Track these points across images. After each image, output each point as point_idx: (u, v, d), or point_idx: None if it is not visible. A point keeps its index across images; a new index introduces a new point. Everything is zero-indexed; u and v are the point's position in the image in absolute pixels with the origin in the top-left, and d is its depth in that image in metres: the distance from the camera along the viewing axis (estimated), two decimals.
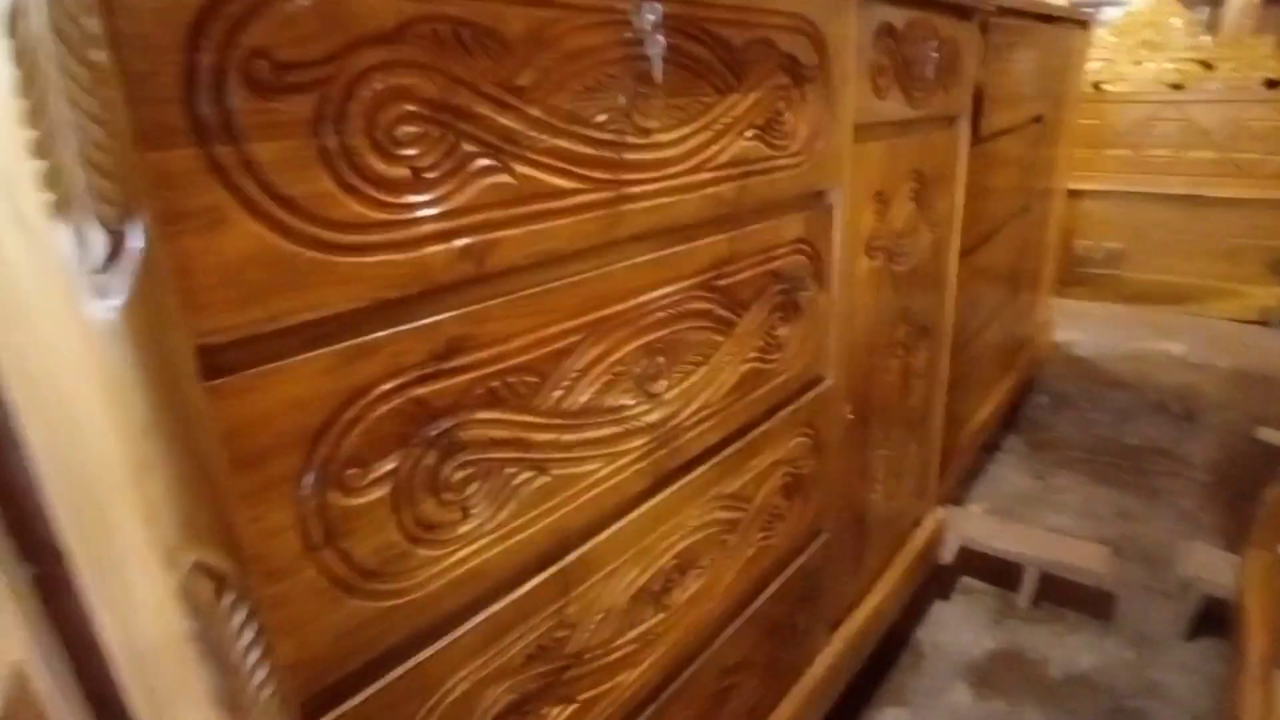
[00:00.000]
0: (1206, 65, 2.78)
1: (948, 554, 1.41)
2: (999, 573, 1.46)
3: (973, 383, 1.74)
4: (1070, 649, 1.32)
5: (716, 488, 0.74)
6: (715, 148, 0.64)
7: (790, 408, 0.84)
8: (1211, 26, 2.98)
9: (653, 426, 0.64)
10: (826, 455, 0.93)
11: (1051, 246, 2.33)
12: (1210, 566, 1.29)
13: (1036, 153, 1.91)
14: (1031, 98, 1.73)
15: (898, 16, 0.90)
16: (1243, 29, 3.03)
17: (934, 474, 1.39)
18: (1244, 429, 2.02)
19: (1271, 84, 2.65)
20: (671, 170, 0.60)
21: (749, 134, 0.68)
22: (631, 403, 0.61)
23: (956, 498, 1.75)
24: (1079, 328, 2.67)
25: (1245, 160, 2.64)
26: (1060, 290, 2.83)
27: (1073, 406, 2.20)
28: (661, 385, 0.64)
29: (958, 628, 1.38)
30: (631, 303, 0.60)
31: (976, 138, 1.32)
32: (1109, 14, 3.28)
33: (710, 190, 0.65)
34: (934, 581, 1.44)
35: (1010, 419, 2.11)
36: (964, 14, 1.09)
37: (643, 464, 0.64)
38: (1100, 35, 2.92)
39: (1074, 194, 2.72)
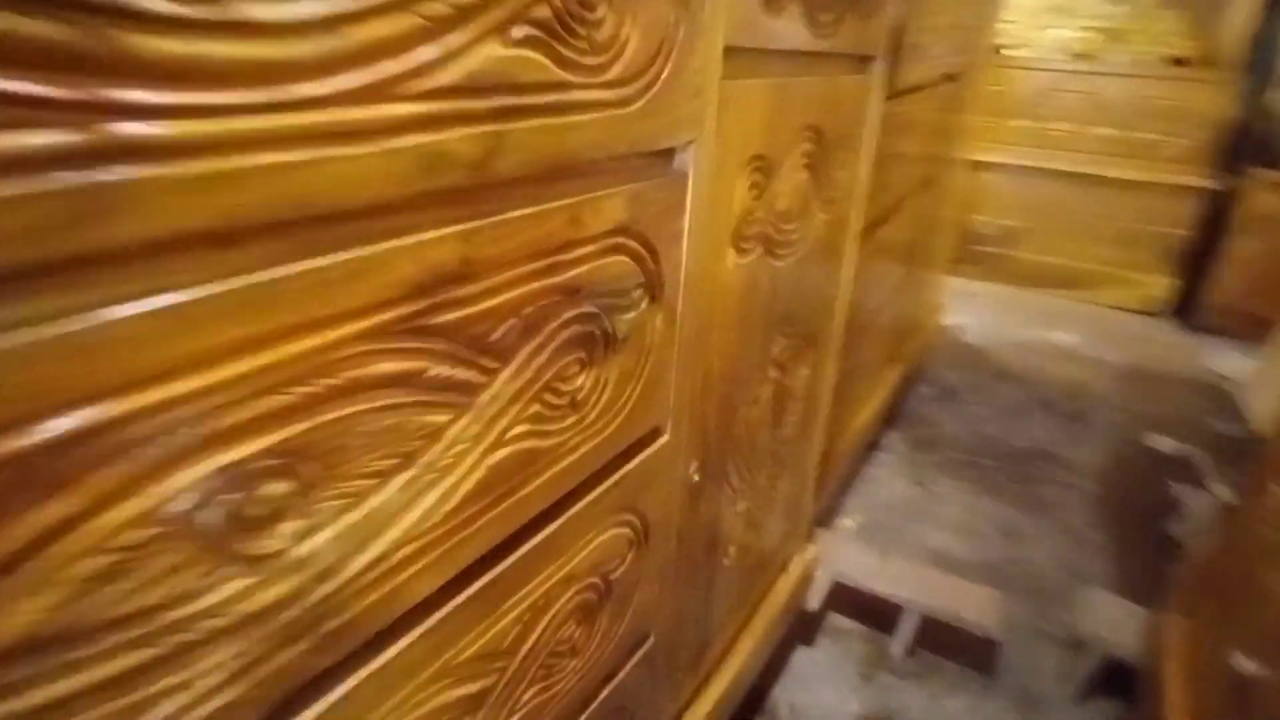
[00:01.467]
0: (1115, 37, 2.63)
1: (816, 598, 1.18)
2: (872, 611, 1.25)
3: (858, 379, 1.51)
4: (948, 713, 1.13)
5: (439, 660, 0.43)
6: (428, 51, 0.31)
7: (596, 491, 0.53)
8: None
9: (268, 612, 0.32)
10: (656, 544, 0.64)
11: (949, 222, 2.14)
12: (1112, 623, 1.11)
13: (946, 116, 1.67)
14: (949, 51, 1.47)
15: None
16: (1153, 1, 2.91)
17: (807, 508, 1.14)
18: (1133, 433, 1.91)
19: (1178, 62, 2.53)
20: (298, 88, 0.27)
21: (516, 34, 0.35)
22: (205, 581, 0.29)
23: (829, 511, 1.54)
24: (969, 311, 2.53)
25: (1146, 141, 2.53)
26: (952, 269, 2.67)
27: (959, 400, 2.04)
28: (290, 529, 0.32)
29: (821, 684, 1.16)
30: (197, 381, 0.27)
31: (891, 90, 1.04)
32: None
33: (413, 140, 0.32)
34: (799, 626, 1.21)
35: (893, 413, 1.92)
36: None
37: (255, 676, 0.32)
38: None
39: (974, 165, 2.55)
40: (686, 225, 0.54)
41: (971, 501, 1.65)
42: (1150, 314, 2.65)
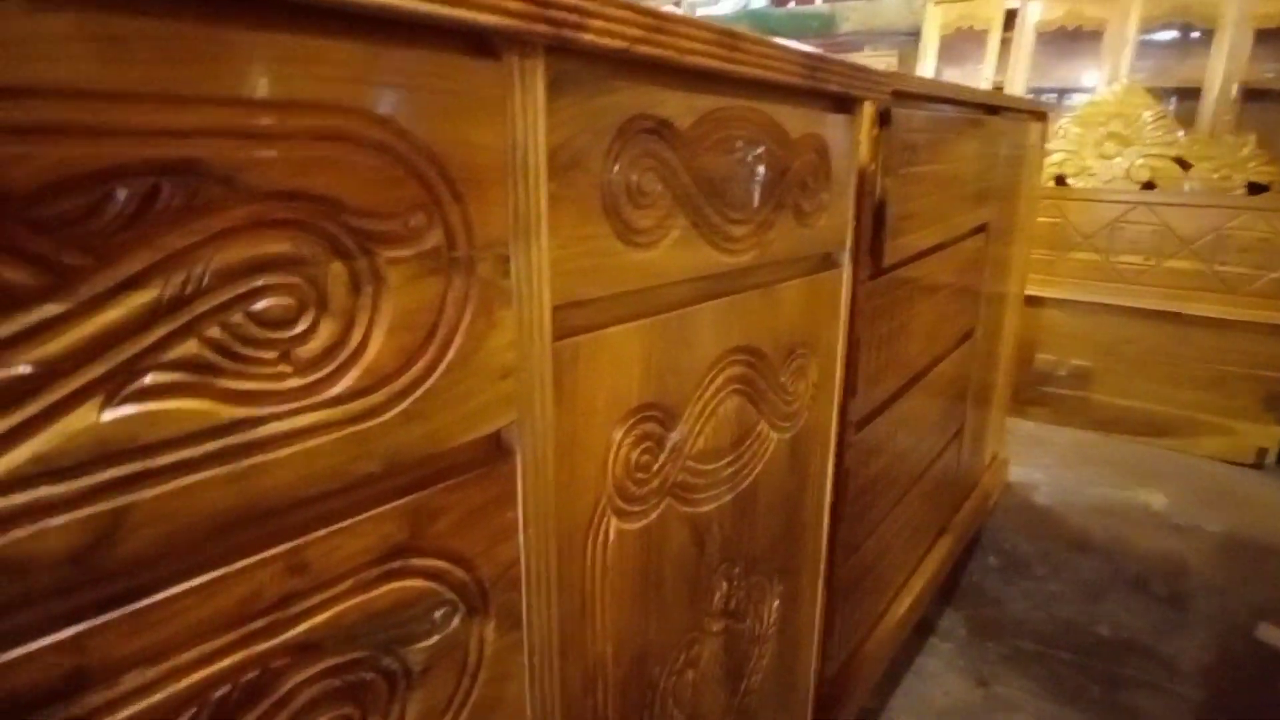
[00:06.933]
0: (1183, 163, 2.47)
1: None
2: None
3: (890, 565, 1.33)
4: None
5: None
6: None
7: None
8: (1185, 121, 2.69)
9: None
10: None
11: (1006, 362, 1.96)
12: None
13: (981, 267, 1.55)
14: (970, 205, 1.36)
15: (675, 106, 0.51)
16: (1220, 126, 2.74)
17: None
18: (1241, 621, 1.61)
19: (1255, 188, 2.33)
20: None
21: (138, 387, 0.27)
22: None
23: (870, 714, 1.32)
24: (1039, 463, 2.28)
25: (1229, 274, 2.30)
26: (1018, 410, 2.45)
27: (1029, 574, 1.79)
28: None
29: None
30: None
31: (878, 269, 0.94)
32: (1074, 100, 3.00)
33: None
34: None
35: (950, 588, 1.70)
36: (835, 104, 0.71)
37: None
38: (1062, 125, 2.62)
39: (1032, 301, 2.37)
40: (521, 515, 0.44)
41: (1044, 709, 1.39)
42: (1252, 466, 2.32)
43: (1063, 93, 3.35)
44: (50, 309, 0.25)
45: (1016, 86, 3.13)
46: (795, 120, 0.64)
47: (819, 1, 4.03)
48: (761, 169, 0.61)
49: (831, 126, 0.70)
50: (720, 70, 0.52)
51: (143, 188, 0.27)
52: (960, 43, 3.33)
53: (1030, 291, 2.17)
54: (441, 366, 0.37)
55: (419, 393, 0.37)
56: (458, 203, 0.37)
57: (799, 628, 0.86)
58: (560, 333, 0.45)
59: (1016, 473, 2.19)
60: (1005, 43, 3.21)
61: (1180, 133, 2.50)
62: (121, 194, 0.26)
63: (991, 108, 1.35)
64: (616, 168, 0.47)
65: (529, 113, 0.40)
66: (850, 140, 0.74)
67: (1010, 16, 3.18)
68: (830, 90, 0.66)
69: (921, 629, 1.56)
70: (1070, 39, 3.13)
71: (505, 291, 0.40)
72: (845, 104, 0.73)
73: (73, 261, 0.26)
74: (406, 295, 0.35)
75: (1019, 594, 1.73)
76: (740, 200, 0.59)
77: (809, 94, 0.65)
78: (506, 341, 0.41)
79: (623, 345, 0.51)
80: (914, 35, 3.52)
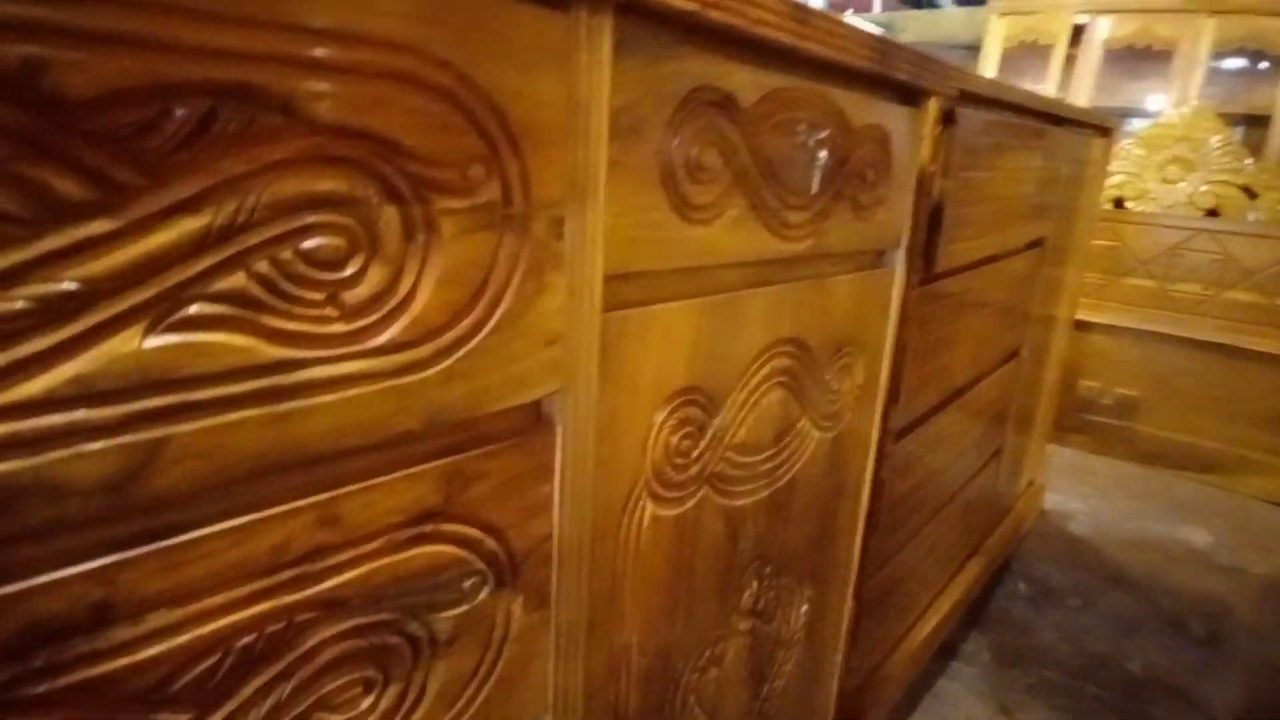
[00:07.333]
0: (1249, 192, 2.38)
1: None
2: None
3: (918, 582, 1.30)
4: None
5: None
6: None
7: None
8: (1254, 149, 2.59)
9: None
10: None
11: (1050, 387, 1.91)
12: None
13: (1032, 284, 1.50)
14: (1028, 217, 1.32)
15: (740, 81, 0.49)
16: None
17: None
18: None
19: None
20: None
21: (181, 317, 0.27)
22: None
23: None
24: (1077, 492, 2.21)
25: None
26: (1058, 437, 2.39)
27: (1060, 605, 1.73)
28: None
29: None
30: None
31: (929, 273, 0.91)
32: (1135, 124, 2.92)
33: None
34: None
35: (976, 612, 1.65)
36: (902, 94, 0.69)
37: None
38: (1124, 147, 2.54)
39: (1081, 325, 2.30)
40: (558, 490, 0.43)
41: None
42: None
43: (1124, 115, 3.26)
44: (99, 226, 0.24)
45: (1079, 105, 3.05)
46: (858, 108, 0.62)
47: (877, 9, 3.98)
48: (822, 155, 0.59)
49: (895, 118, 0.68)
50: (789, 46, 0.50)
51: (200, 109, 0.26)
52: (1022, 57, 3.25)
53: (1079, 316, 2.11)
54: (488, 326, 0.36)
55: (463, 351, 0.35)
56: (516, 158, 0.36)
57: (825, 636, 0.83)
58: (610, 304, 0.43)
59: (1053, 500, 2.13)
60: (1068, 59, 3.13)
61: (1248, 160, 2.41)
62: (178, 113, 0.25)
63: (1057, 118, 1.30)
64: (677, 139, 0.46)
65: (594, 71, 0.39)
66: (913, 135, 0.72)
67: (1078, 32, 3.10)
68: (897, 79, 0.64)
69: (944, 651, 1.52)
70: (1137, 59, 3.05)
71: (557, 255, 0.39)
72: (911, 96, 0.70)
73: (125, 179, 0.25)
74: (458, 248, 0.34)
75: (1048, 624, 1.68)
76: (799, 186, 0.57)
77: (875, 81, 0.63)
78: (555, 307, 0.39)
79: (672, 324, 0.49)
80: (974, 48, 3.45)
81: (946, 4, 3.50)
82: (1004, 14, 3.27)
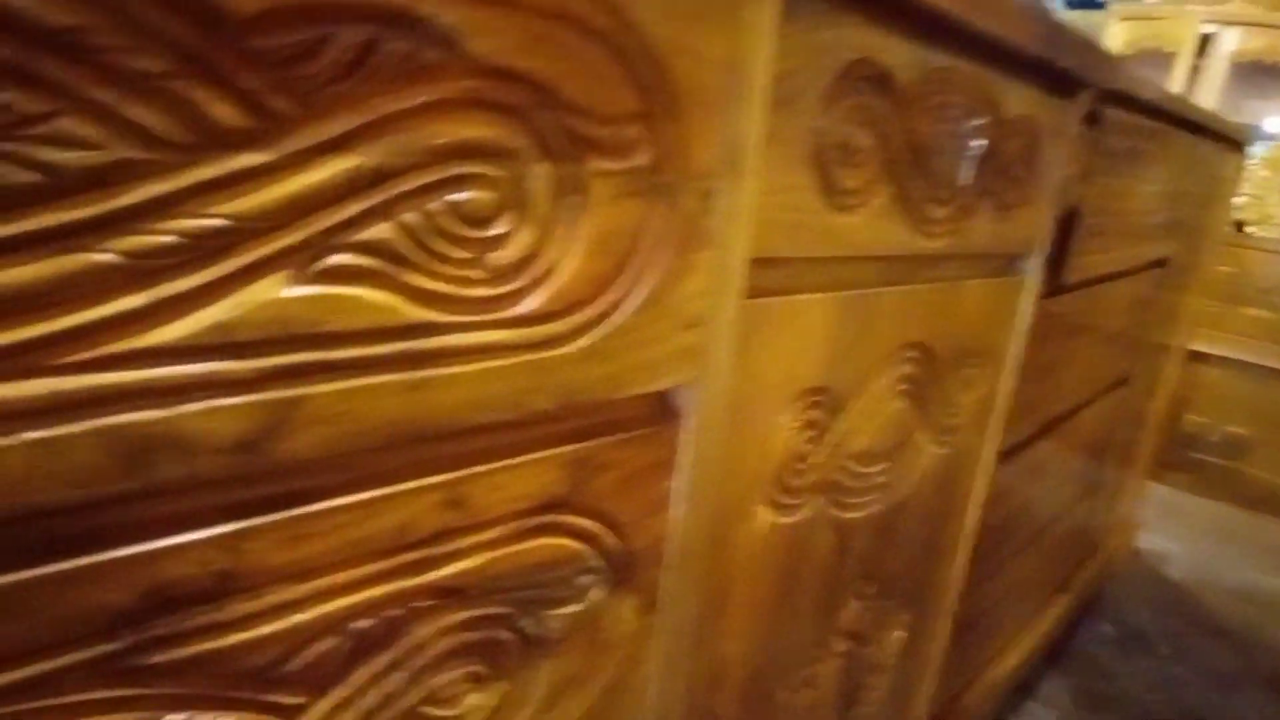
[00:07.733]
0: None
1: None
2: None
3: (1002, 615, 1.22)
4: None
5: None
6: (131, 299, 0.21)
7: None
8: None
9: None
10: None
11: (1156, 418, 1.78)
12: None
13: (1150, 307, 1.40)
14: (1155, 234, 1.23)
15: (899, 58, 0.45)
16: None
17: None
18: None
19: None
20: None
21: (324, 266, 0.24)
22: None
23: None
24: (1173, 534, 2.07)
25: None
26: (1157, 473, 2.23)
27: (1149, 651, 1.61)
28: None
29: None
30: None
31: (1055, 285, 0.84)
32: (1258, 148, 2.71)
33: (91, 424, 0.21)
34: None
35: (1057, 652, 1.55)
36: (1056, 85, 0.63)
37: None
38: (1249, 167, 2.37)
39: (1192, 355, 2.15)
40: (680, 487, 0.40)
41: None
42: None
43: (1254, 140, 3.04)
44: (253, 158, 0.22)
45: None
46: (1012, 97, 0.57)
47: None
48: (974, 146, 0.54)
49: (1047, 111, 0.62)
50: (956, 18, 0.45)
51: (361, 36, 0.23)
52: (1142, 64, 3.06)
53: (1191, 345, 1.97)
54: (631, 303, 0.33)
55: (603, 328, 0.32)
56: (672, 120, 0.32)
57: (917, 665, 0.78)
58: (751, 291, 0.40)
59: (1147, 540, 1.99)
60: (1193, 70, 2.93)
61: None
62: (340, 39, 0.23)
63: (1196, 126, 1.21)
64: (831, 115, 0.42)
65: (760, 31, 0.35)
66: (1064, 131, 0.66)
67: (1205, 42, 2.90)
68: (1060, 66, 0.58)
69: (1022, 690, 1.44)
70: (1265, 74, 2.83)
71: (704, 232, 0.35)
72: (1065, 88, 0.64)
73: (281, 108, 0.22)
74: (607, 215, 0.31)
75: (1136, 671, 1.57)
76: (945, 177, 0.53)
77: (1034, 68, 0.57)
78: (698, 288, 0.36)
79: (809, 317, 0.45)
80: None
81: (1056, 5, 3.32)
82: (1125, 18, 3.09)
